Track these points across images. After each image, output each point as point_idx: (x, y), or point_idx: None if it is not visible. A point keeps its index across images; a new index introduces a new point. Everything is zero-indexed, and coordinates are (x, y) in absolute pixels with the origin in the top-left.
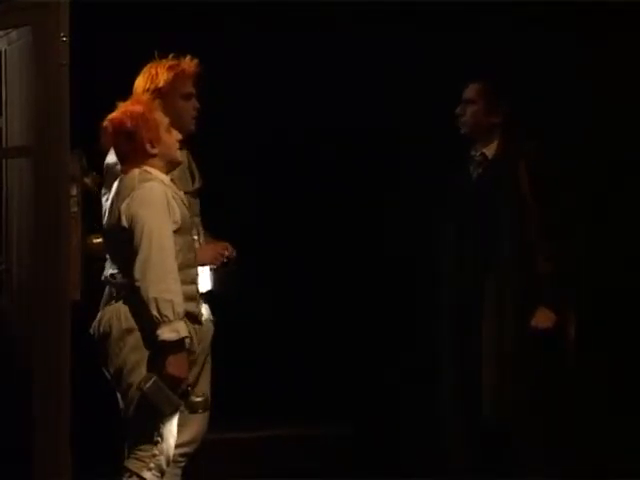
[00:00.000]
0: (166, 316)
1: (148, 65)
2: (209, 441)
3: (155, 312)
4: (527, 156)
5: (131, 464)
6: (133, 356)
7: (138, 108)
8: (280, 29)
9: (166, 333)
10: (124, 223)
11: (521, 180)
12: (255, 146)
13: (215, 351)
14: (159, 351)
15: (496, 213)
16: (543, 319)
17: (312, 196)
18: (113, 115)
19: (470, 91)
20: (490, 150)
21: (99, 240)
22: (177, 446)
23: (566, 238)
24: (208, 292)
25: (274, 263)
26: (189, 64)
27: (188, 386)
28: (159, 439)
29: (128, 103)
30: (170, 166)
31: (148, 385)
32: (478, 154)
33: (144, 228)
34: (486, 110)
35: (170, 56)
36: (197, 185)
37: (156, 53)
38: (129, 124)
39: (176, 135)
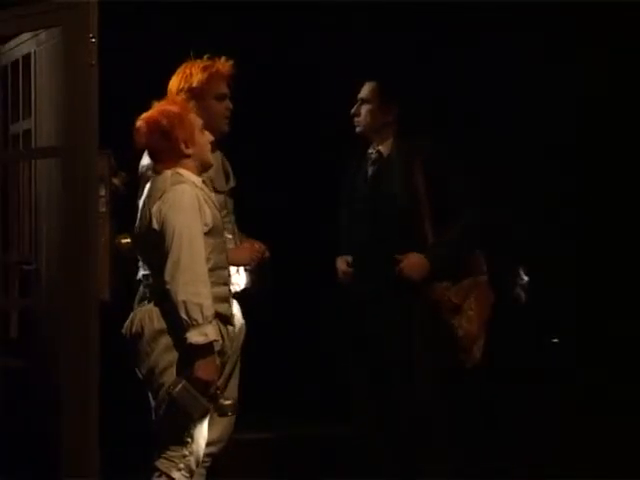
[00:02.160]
0: (195, 319)
1: (183, 65)
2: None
3: (184, 315)
4: (422, 154)
5: (161, 464)
6: (165, 357)
7: (174, 108)
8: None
9: (195, 336)
10: (155, 225)
11: (415, 177)
12: (285, 146)
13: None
14: (189, 354)
15: (391, 209)
16: (415, 261)
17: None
18: (148, 114)
19: (366, 90)
20: (385, 148)
21: (127, 240)
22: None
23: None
24: (242, 292)
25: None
26: (224, 65)
27: (217, 389)
28: (189, 440)
29: (163, 102)
30: (202, 168)
31: (177, 389)
32: (374, 152)
33: (175, 231)
34: (381, 109)
35: (205, 57)
36: (231, 185)
37: (191, 53)
38: (165, 123)
39: (208, 137)
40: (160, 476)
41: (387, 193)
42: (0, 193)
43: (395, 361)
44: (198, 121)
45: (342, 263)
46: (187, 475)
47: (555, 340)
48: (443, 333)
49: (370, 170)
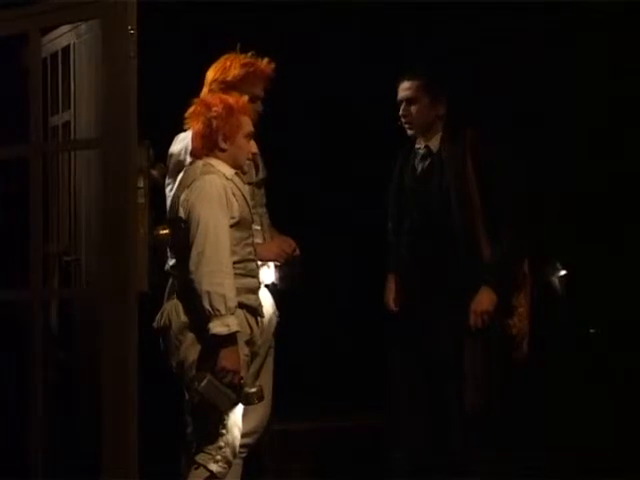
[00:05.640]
0: (218, 310)
1: (225, 56)
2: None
3: (207, 305)
4: (472, 147)
5: (198, 457)
6: (193, 350)
7: (231, 101)
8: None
9: (217, 327)
10: (181, 214)
11: (467, 172)
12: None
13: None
14: (212, 345)
15: (445, 206)
16: (484, 301)
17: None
18: (206, 97)
19: (410, 90)
20: (434, 143)
21: (166, 231)
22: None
23: (510, 225)
24: (272, 286)
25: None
26: (265, 66)
27: (241, 378)
28: (224, 431)
29: (227, 93)
30: (234, 166)
31: (202, 384)
32: (422, 147)
33: (200, 221)
34: (431, 105)
35: (250, 53)
36: (261, 176)
37: (238, 46)
38: (214, 109)
39: (252, 146)
40: (198, 468)
41: (439, 189)
42: (40, 185)
43: (446, 361)
44: (248, 126)
45: (391, 281)
46: (224, 466)
47: (592, 331)
48: (498, 334)
49: (420, 167)
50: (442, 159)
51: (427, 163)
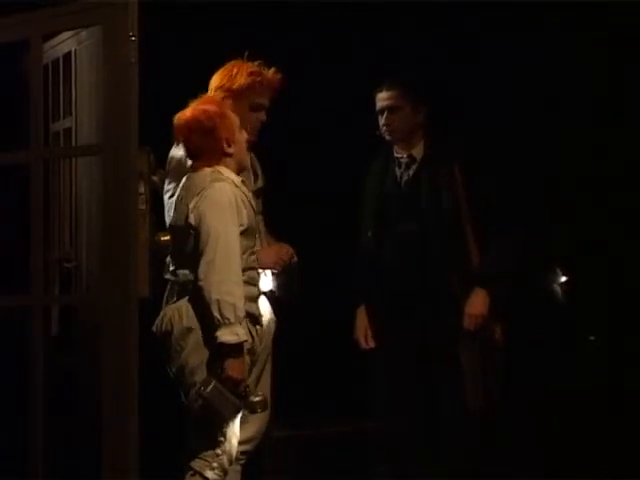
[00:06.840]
0: (227, 318)
1: (231, 63)
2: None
3: (217, 314)
4: (458, 154)
5: (194, 463)
6: (195, 356)
7: (214, 107)
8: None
9: (226, 335)
10: (191, 221)
11: (455, 178)
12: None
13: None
14: (218, 352)
15: (434, 214)
16: (478, 303)
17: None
18: (188, 113)
19: (391, 99)
20: (417, 151)
21: (167, 237)
22: (238, 443)
23: (502, 227)
24: (270, 292)
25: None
26: (272, 76)
27: (246, 387)
28: (222, 439)
29: (202, 102)
30: (239, 167)
31: (208, 389)
32: (405, 156)
33: (210, 229)
34: (412, 113)
35: (257, 62)
36: (259, 185)
37: (245, 54)
38: (207, 122)
39: (245, 135)
40: (194, 475)
41: (429, 193)
42: (41, 191)
43: (440, 364)
44: (237, 120)
45: (361, 314)
46: (220, 474)
47: (592, 338)
48: (488, 336)
49: (405, 175)
50: (429, 164)
51: (412, 170)
